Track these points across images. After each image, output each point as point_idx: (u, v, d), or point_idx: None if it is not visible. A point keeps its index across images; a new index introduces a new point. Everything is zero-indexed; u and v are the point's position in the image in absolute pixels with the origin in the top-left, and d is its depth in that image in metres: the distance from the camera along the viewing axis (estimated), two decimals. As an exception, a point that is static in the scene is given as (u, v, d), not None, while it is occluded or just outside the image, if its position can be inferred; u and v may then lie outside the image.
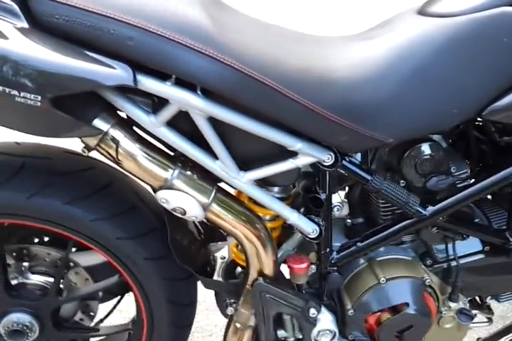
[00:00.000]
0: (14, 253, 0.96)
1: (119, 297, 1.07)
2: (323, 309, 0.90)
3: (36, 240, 1.01)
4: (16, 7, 0.62)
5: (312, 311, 0.88)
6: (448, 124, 0.79)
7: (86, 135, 0.69)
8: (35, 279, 0.97)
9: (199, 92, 0.67)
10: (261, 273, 0.86)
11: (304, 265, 0.86)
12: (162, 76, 0.65)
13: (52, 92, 0.60)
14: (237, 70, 0.64)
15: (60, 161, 0.86)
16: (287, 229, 0.95)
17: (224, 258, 1.03)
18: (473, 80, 0.77)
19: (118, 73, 0.61)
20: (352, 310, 0.90)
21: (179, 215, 0.77)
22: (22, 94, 0.59)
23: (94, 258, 0.98)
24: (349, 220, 0.94)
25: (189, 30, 0.63)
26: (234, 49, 0.65)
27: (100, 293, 1.02)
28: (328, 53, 0.77)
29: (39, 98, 0.60)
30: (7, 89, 0.59)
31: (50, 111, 0.61)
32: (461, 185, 0.88)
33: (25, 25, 0.62)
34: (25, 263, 0.97)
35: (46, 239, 1.01)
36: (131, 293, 0.98)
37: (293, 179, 0.83)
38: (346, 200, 0.93)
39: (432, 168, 0.85)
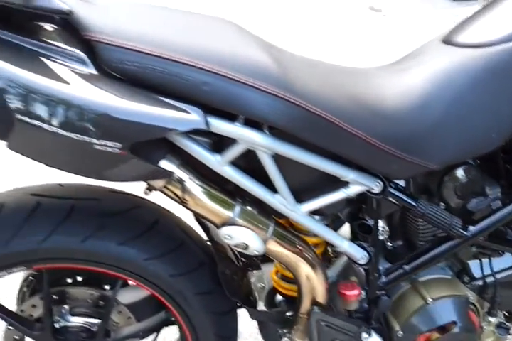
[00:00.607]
0: (55, 297, 0.94)
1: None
2: (373, 332, 0.92)
3: (69, 280, 0.99)
4: (82, 54, 0.63)
5: (364, 335, 0.89)
6: (488, 148, 0.83)
7: (158, 178, 0.69)
8: (78, 321, 0.96)
9: (266, 131, 0.68)
10: (314, 302, 0.87)
11: (356, 291, 0.88)
12: (229, 116, 0.67)
13: (132, 139, 0.60)
14: (302, 108, 0.67)
15: (107, 201, 0.85)
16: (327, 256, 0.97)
17: (263, 286, 1.03)
18: (507, 105, 0.82)
19: (192, 117, 0.63)
20: (401, 332, 0.92)
21: (240, 250, 0.78)
22: (101, 142, 0.60)
23: (135, 294, 0.97)
24: (389, 243, 0.96)
25: (257, 72, 0.65)
26: (297, 88, 0.67)
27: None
28: (373, 85, 0.81)
29: (119, 145, 0.60)
30: (86, 138, 0.59)
31: (127, 157, 0.61)
32: (495, 204, 0.92)
33: (94, 71, 0.62)
34: (66, 306, 0.96)
35: (79, 278, 1.00)
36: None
37: (341, 207, 0.86)
38: (386, 224, 0.96)
39: (471, 190, 0.89)
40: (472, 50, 0.83)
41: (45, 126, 0.58)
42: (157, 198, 0.84)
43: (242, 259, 1.01)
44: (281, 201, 0.76)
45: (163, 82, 0.62)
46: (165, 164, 0.68)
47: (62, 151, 0.62)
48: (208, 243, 0.95)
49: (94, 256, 0.82)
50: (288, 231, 0.83)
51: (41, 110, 0.58)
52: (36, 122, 0.58)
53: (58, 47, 0.63)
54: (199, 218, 0.96)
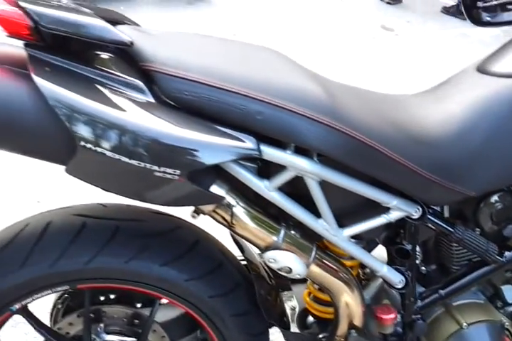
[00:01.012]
0: (92, 315, 0.95)
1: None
2: (407, 356, 0.92)
3: (103, 298, 1.00)
4: (141, 83, 0.65)
5: (399, 359, 0.90)
6: None
7: (209, 203, 0.71)
8: (113, 339, 0.96)
9: (315, 159, 0.70)
10: (351, 325, 0.88)
11: (392, 315, 0.89)
12: (279, 143, 0.69)
13: (190, 166, 0.62)
14: (349, 135, 0.69)
15: (149, 222, 0.87)
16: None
17: (294, 308, 1.04)
18: None
19: (247, 145, 0.64)
20: (436, 356, 0.92)
21: (283, 273, 0.79)
22: (162, 168, 0.61)
23: (170, 313, 0.98)
24: (423, 268, 0.97)
25: (308, 102, 0.67)
26: (344, 116, 0.69)
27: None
28: (413, 112, 0.83)
29: (178, 172, 0.62)
30: (148, 165, 0.61)
31: (184, 183, 0.63)
32: None
33: (152, 100, 0.64)
34: (101, 324, 0.96)
35: (112, 296, 1.01)
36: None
37: (379, 232, 0.87)
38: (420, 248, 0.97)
39: (506, 216, 0.90)
40: (507, 79, 0.85)
41: (108, 153, 0.60)
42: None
43: (274, 276, 1.02)
44: (325, 226, 0.78)
45: (219, 111, 0.64)
46: (215, 189, 0.70)
47: (122, 177, 0.64)
48: (242, 262, 0.97)
49: (137, 277, 0.83)
50: (328, 254, 0.84)
51: (105, 138, 0.60)
52: (99, 149, 0.60)
53: (117, 75, 0.65)
54: (235, 238, 0.98)
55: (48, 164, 0.69)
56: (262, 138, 0.67)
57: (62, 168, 0.65)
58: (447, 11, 4.40)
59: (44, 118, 0.61)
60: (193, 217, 0.76)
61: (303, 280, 1.14)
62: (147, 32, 0.71)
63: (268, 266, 1.02)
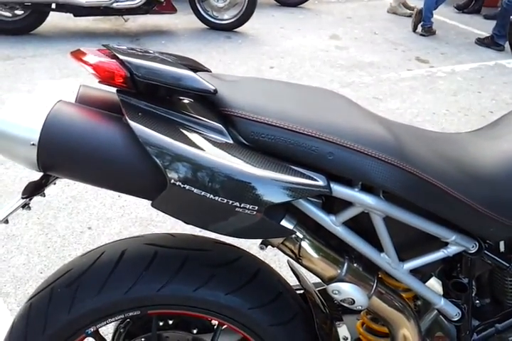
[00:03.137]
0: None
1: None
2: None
3: (161, 323, 1.05)
4: (221, 126, 0.72)
5: None
6: None
7: (281, 236, 0.76)
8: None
9: (381, 196, 0.75)
10: (407, 357, 0.90)
11: (449, 348, 0.90)
12: (346, 181, 0.74)
13: (268, 203, 0.68)
14: (413, 174, 0.73)
15: (214, 252, 0.92)
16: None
17: (347, 338, 1.06)
18: None
19: (319, 184, 0.70)
20: (492, 391, 0.93)
21: (346, 305, 0.82)
22: (242, 205, 0.67)
23: (228, 338, 1.02)
24: (477, 301, 0.99)
25: (376, 143, 0.72)
26: (409, 156, 0.74)
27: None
28: (470, 151, 0.87)
29: (256, 208, 0.68)
30: (230, 202, 0.67)
31: (261, 218, 0.69)
32: None
33: (231, 141, 0.71)
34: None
35: (171, 321, 1.06)
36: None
37: (437, 266, 0.90)
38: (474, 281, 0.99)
39: (561, 252, 0.92)
40: None
41: (195, 190, 0.66)
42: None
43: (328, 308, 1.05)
44: (387, 259, 0.82)
45: (293, 152, 0.70)
46: (285, 223, 0.75)
47: (205, 212, 0.70)
48: (298, 291, 1.01)
49: (204, 304, 0.87)
50: (387, 286, 0.87)
51: (193, 176, 0.66)
52: (188, 187, 0.66)
53: (199, 119, 0.72)
54: (292, 268, 1.02)
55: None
56: (332, 176, 0.73)
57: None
58: (481, 42, 4.44)
59: (137, 158, 0.68)
60: (261, 248, 0.81)
61: (354, 311, 1.16)
62: (221, 78, 0.79)
63: (323, 296, 1.06)
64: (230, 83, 0.77)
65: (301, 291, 1.04)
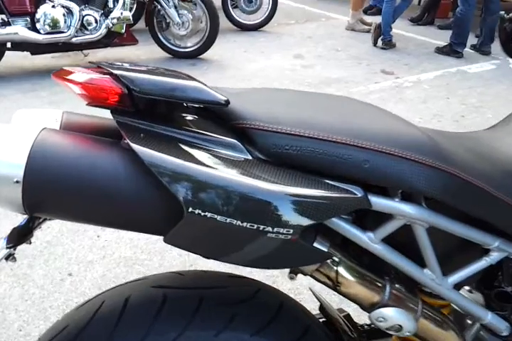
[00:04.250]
0: None
1: None
2: None
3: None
4: (236, 142, 0.62)
5: None
6: None
7: (319, 261, 0.66)
8: None
9: (423, 204, 0.66)
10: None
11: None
12: (382, 192, 0.65)
13: (303, 225, 0.58)
14: (456, 176, 0.65)
15: (231, 288, 0.81)
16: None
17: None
18: None
19: (357, 197, 0.61)
20: None
21: (392, 333, 0.72)
22: (275, 229, 0.57)
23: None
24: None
25: (412, 145, 0.64)
26: (448, 157, 0.66)
27: None
28: (499, 148, 0.80)
29: (291, 231, 0.57)
30: (261, 227, 0.56)
31: (297, 242, 0.58)
32: None
33: (249, 157, 0.61)
34: None
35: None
36: None
37: (478, 277, 0.81)
38: None
39: None
40: None
41: (219, 217, 0.56)
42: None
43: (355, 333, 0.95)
44: (430, 275, 0.72)
45: (323, 164, 0.61)
46: (318, 246, 0.65)
47: (228, 242, 0.59)
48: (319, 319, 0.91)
49: (228, 351, 0.75)
50: (430, 306, 0.78)
51: (214, 201, 0.56)
52: (209, 214, 0.55)
53: (209, 136, 0.62)
54: (315, 293, 0.92)
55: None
56: (364, 187, 0.63)
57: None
58: (441, 50, 4.55)
59: (144, 187, 0.58)
60: (291, 278, 0.71)
61: (382, 335, 1.07)
62: (225, 90, 0.69)
63: (348, 320, 0.96)
64: (238, 94, 0.68)
65: (323, 319, 0.94)
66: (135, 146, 0.57)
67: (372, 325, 1.08)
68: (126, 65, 0.64)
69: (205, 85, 0.60)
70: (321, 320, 0.92)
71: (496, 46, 4.62)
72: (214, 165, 0.58)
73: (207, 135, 0.62)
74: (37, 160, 0.58)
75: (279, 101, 0.69)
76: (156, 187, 0.57)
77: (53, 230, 2.02)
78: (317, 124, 0.62)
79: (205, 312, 0.75)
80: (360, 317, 1.08)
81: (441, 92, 3.65)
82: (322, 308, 0.93)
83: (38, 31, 3.47)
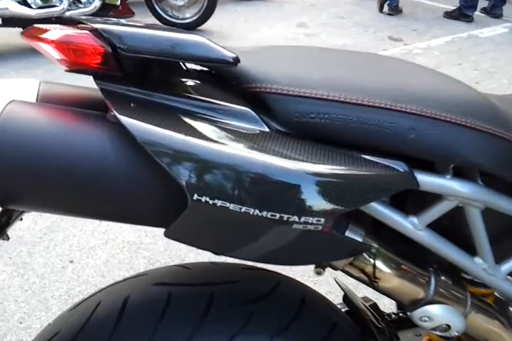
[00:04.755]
0: None
1: None
2: None
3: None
4: (249, 111, 0.50)
5: None
6: None
7: (355, 254, 0.54)
8: None
9: (479, 181, 0.54)
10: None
11: None
12: (426, 167, 0.53)
13: (337, 212, 0.46)
14: None
15: (245, 282, 0.70)
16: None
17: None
18: None
19: (402, 176, 0.49)
20: None
21: (438, 333, 0.61)
22: (302, 219, 0.45)
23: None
24: None
25: (470, 110, 0.52)
26: (508, 123, 0.54)
27: None
28: None
29: (322, 221, 0.46)
30: (284, 216, 0.45)
31: (330, 234, 0.47)
32: None
33: (266, 129, 0.49)
34: None
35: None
36: None
37: None
38: None
39: None
40: None
41: (232, 206, 0.44)
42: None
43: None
44: (482, 264, 0.61)
45: (357, 134, 0.49)
46: (351, 236, 0.54)
47: (245, 235, 0.47)
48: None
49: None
50: (479, 299, 0.67)
51: (226, 187, 0.44)
52: (220, 202, 0.44)
53: (216, 104, 0.50)
54: (338, 282, 0.82)
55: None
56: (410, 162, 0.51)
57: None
58: (450, 15, 4.34)
59: (136, 170, 0.46)
60: (319, 273, 0.60)
61: (409, 326, 0.97)
62: (234, 49, 0.57)
63: (374, 309, 0.86)
64: (248, 53, 0.55)
65: (346, 309, 0.84)
66: (124, 119, 0.45)
67: (401, 314, 0.99)
68: (112, 20, 0.51)
69: (209, 40, 0.47)
70: (343, 310, 0.82)
71: (507, 8, 4.41)
72: (223, 140, 0.46)
73: (213, 103, 0.50)
74: (3, 139, 0.47)
75: (300, 59, 0.56)
76: (152, 169, 0.45)
77: (52, 215, 1.91)
78: (349, 86, 0.50)
79: (216, 313, 0.64)
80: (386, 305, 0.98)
81: (453, 58, 3.47)
82: (346, 298, 0.82)
83: (29, 6, 3.31)
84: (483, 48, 3.67)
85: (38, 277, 1.59)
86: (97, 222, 1.89)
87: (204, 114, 0.49)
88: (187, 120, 0.48)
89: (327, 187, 0.45)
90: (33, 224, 1.86)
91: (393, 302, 0.98)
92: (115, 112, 0.46)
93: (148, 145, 0.45)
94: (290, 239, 0.47)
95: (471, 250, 0.61)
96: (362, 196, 0.46)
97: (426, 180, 0.51)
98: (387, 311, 0.96)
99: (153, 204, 0.49)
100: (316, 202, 0.45)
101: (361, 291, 1.11)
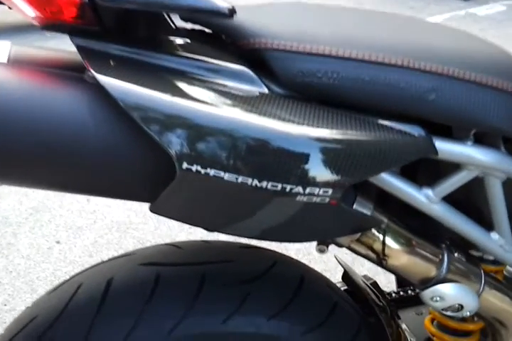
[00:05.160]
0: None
1: None
2: None
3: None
4: (246, 70, 0.44)
5: None
6: None
7: (365, 229, 0.49)
8: None
9: (503, 149, 0.49)
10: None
11: None
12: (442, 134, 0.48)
13: (347, 181, 0.41)
14: None
15: (240, 261, 0.65)
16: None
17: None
18: None
19: (420, 142, 0.43)
20: None
21: (449, 314, 0.57)
22: (307, 190, 0.40)
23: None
24: None
25: (498, 69, 0.46)
26: None
27: None
28: None
29: (330, 192, 0.40)
30: (288, 187, 0.39)
31: (338, 207, 0.42)
32: None
33: (266, 90, 0.43)
34: None
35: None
36: None
37: None
38: None
39: None
40: None
41: (227, 176, 0.38)
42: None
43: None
44: (499, 240, 0.56)
45: (370, 96, 0.43)
46: (360, 209, 0.48)
47: (240, 209, 0.42)
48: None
49: (241, 340, 0.60)
50: (492, 276, 0.63)
51: (220, 154, 0.38)
52: (213, 172, 0.38)
53: (208, 62, 0.44)
54: (338, 259, 0.78)
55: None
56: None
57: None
58: (447, -8, 4.24)
59: (117, 136, 0.40)
60: (321, 251, 0.55)
61: (409, 305, 0.94)
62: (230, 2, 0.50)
63: (375, 287, 0.82)
64: (246, 8, 0.49)
65: (345, 287, 0.80)
66: (103, 78, 0.39)
67: (402, 293, 0.95)
68: None
69: None
70: (342, 289, 0.79)
71: (505, -15, 4.33)
72: (217, 102, 0.40)
73: (205, 62, 0.44)
74: None
75: (305, 15, 0.50)
76: (136, 136, 0.40)
77: (38, 195, 1.85)
78: (362, 42, 0.44)
79: (209, 294, 0.59)
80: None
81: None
82: (345, 276, 0.78)
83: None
84: (482, 26, 3.60)
85: (23, 258, 1.54)
86: (84, 201, 1.83)
87: (196, 74, 0.43)
88: (176, 80, 0.43)
89: (335, 154, 0.40)
90: (18, 205, 1.80)
91: (391, 280, 0.94)
92: (93, 71, 0.40)
93: (131, 109, 0.39)
94: (293, 212, 0.42)
95: (486, 225, 0.56)
96: (374, 164, 0.41)
97: (445, 148, 0.46)
98: (386, 290, 0.92)
99: (138, 175, 0.43)
100: (323, 170, 0.40)
101: (357, 269, 1.07)
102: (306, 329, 0.62)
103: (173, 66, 0.43)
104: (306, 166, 0.39)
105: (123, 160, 0.42)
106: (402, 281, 0.97)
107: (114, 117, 0.41)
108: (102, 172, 0.43)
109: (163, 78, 0.42)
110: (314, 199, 0.40)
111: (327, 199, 0.41)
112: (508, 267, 0.73)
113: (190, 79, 0.42)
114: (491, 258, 0.71)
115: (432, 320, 0.80)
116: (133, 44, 0.45)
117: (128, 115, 0.39)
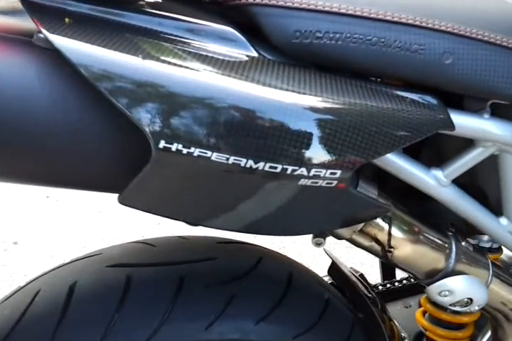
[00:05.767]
0: None
1: None
2: None
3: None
4: (232, 30, 0.37)
5: None
6: None
7: (374, 218, 0.43)
8: None
9: None
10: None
11: None
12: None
13: (355, 162, 0.34)
14: None
15: (222, 259, 0.58)
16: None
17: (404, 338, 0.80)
18: None
19: (436, 114, 0.37)
20: None
21: (457, 309, 0.52)
22: (312, 172, 0.33)
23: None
24: None
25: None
26: None
27: None
28: None
29: (337, 174, 0.34)
30: (289, 168, 0.32)
31: (346, 190, 0.35)
32: None
33: (255, 54, 0.36)
34: None
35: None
36: None
37: None
38: None
39: None
40: None
41: (214, 155, 0.31)
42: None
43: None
44: (508, 226, 0.52)
45: (377, 60, 0.37)
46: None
47: (234, 196, 0.35)
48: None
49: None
50: (498, 266, 0.58)
51: (205, 130, 0.31)
52: (198, 151, 0.31)
53: (189, 22, 0.37)
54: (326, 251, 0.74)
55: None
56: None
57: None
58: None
59: (75, 111, 0.33)
60: (318, 244, 0.48)
61: (396, 297, 0.90)
62: None
63: (365, 281, 0.78)
64: None
65: (330, 280, 0.75)
66: (57, 40, 0.31)
67: (388, 285, 0.91)
68: None
69: None
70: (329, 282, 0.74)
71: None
72: (200, 68, 0.33)
73: (184, 21, 0.37)
74: None
75: None
76: (101, 110, 0.32)
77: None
78: None
79: (188, 298, 0.53)
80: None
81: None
82: (332, 269, 0.73)
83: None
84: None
85: (-23, 261, 1.42)
86: (44, 197, 1.72)
87: (173, 35, 0.36)
88: (150, 42, 0.35)
89: (344, 129, 0.34)
90: (-31, 203, 1.67)
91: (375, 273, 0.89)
92: (45, 32, 0.32)
93: (95, 78, 0.32)
94: (294, 199, 0.35)
95: (493, 210, 0.51)
96: (388, 140, 0.35)
97: (460, 121, 0.40)
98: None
99: (103, 160, 0.35)
100: (330, 148, 0.33)
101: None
102: (298, 332, 0.56)
103: (145, 25, 0.36)
104: (311, 144, 0.33)
105: (86, 141, 0.34)
106: (388, 274, 0.93)
107: (74, 88, 0.33)
108: (61, 156, 0.36)
109: (133, 40, 0.34)
110: (320, 182, 0.34)
111: (334, 183, 0.34)
112: (503, 255, 0.69)
113: (167, 40, 0.35)
114: (488, 245, 0.67)
115: (424, 313, 0.76)
116: (97, 2, 0.38)
117: (91, 85, 0.32)
